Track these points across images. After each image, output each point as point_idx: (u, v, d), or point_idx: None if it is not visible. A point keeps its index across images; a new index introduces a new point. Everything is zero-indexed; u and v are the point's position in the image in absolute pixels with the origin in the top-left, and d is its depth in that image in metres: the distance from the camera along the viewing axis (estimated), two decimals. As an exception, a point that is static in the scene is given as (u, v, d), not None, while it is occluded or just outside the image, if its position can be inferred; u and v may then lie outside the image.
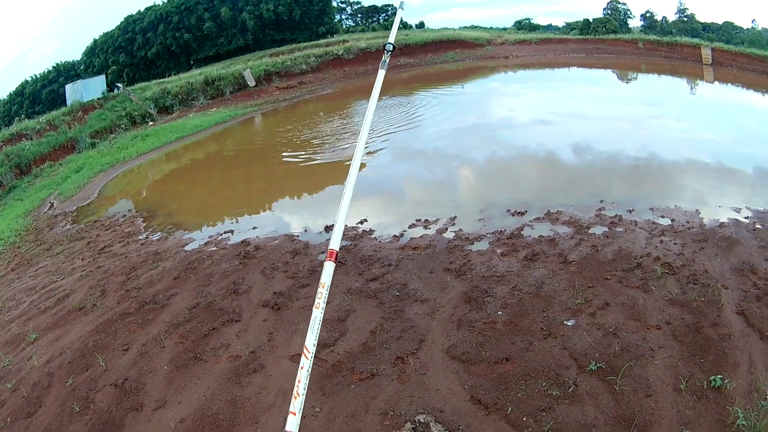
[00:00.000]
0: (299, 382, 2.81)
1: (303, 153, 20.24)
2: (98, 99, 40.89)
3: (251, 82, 43.78)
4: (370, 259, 9.87)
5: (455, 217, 11.50)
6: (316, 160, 18.72)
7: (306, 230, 12.15)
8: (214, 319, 8.23)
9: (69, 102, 42.57)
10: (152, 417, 6.33)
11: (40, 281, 12.01)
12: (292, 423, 2.78)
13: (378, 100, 4.22)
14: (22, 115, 44.47)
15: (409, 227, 11.31)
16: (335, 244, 3.37)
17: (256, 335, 7.85)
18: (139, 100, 40.04)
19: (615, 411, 5.64)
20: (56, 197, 22.21)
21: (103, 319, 8.82)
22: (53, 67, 79.03)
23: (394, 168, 16.83)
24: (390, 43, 4.42)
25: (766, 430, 5.09)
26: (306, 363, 2.85)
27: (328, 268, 3.28)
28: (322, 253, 10.39)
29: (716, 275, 7.79)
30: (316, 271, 9.57)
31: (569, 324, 7.16)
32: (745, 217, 9.62)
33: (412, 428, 5.79)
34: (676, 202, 10.61)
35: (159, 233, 13.71)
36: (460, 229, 10.79)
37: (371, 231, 11.42)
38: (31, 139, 33.29)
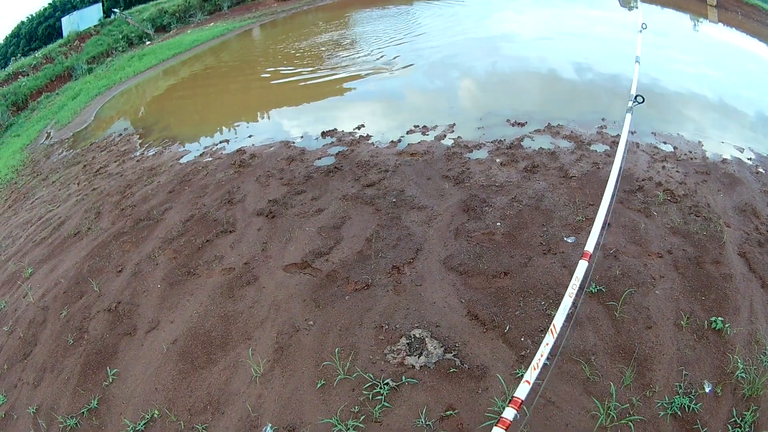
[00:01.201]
0: (542, 356, 3.03)
1: (299, 64, 19.49)
2: (95, 26, 39.51)
3: (249, -5, 42.42)
4: (366, 165, 9.41)
5: (454, 124, 10.99)
6: (313, 72, 18.31)
7: (302, 137, 11.66)
8: (208, 231, 8.08)
9: (65, 34, 40.95)
10: (144, 340, 6.21)
11: (36, 213, 11.66)
12: (522, 390, 2.93)
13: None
14: (18, 55, 42.44)
15: (407, 133, 10.83)
16: (590, 245, 3.74)
17: (250, 245, 7.55)
18: (136, 23, 38.84)
19: (615, 340, 5.38)
20: (53, 126, 21.53)
21: (97, 242, 8.68)
22: (49, 4, 75.75)
23: (394, 76, 16.08)
24: None
25: (764, 387, 4.86)
26: (551, 340, 3.08)
27: (581, 266, 3.67)
28: (318, 158, 10.09)
29: (718, 211, 7.44)
30: (311, 177, 9.21)
31: (569, 241, 6.82)
32: (748, 158, 9.17)
33: (408, 344, 5.50)
34: (679, 130, 10.11)
35: (154, 149, 13.27)
36: (459, 137, 10.31)
37: (368, 136, 10.94)
38: (28, 75, 31.82)
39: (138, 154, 13.22)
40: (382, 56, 18.27)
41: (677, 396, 4.77)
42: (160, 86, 22.59)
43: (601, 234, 4.76)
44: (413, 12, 27.24)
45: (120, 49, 35.34)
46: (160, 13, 40.24)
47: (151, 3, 46.04)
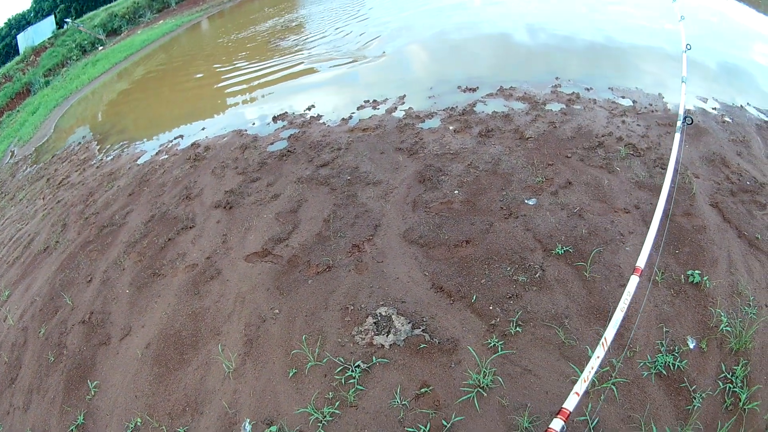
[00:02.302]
0: (592, 369, 3.08)
1: (247, 51, 19.31)
2: (49, 38, 39.45)
3: (195, -12, 42.65)
4: (319, 145, 9.06)
5: (404, 95, 10.70)
6: (261, 59, 18.04)
7: (254, 123, 11.32)
8: (170, 230, 7.86)
9: (21, 51, 40.82)
10: (119, 348, 6.04)
11: (7, 233, 11.27)
12: (571, 402, 2.92)
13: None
14: (-25, 80, 42.25)
15: (358, 109, 10.49)
16: (642, 261, 3.79)
17: (211, 239, 7.29)
18: (88, 29, 38.96)
19: (587, 301, 5.11)
20: (16, 144, 21.17)
21: (66, 254, 8.44)
22: (5, 23, 74.27)
23: (344, 54, 15.70)
24: None
25: (753, 339, 4.66)
26: (601, 353, 3.15)
27: (633, 281, 3.72)
28: (271, 144, 9.75)
29: (685, 162, 7.17)
30: (266, 164, 8.87)
31: (530, 203, 6.51)
32: (713, 108, 8.94)
33: (374, 323, 5.17)
34: (637, 84, 9.85)
35: (112, 153, 12.90)
36: (410, 108, 9.99)
37: (319, 116, 10.60)
38: (-13, 98, 31.04)
39: (97, 160, 12.85)
40: (329, 36, 18.08)
41: (660, 354, 4.54)
42: (114, 89, 22.24)
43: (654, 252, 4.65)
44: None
45: (74, 57, 35.23)
46: (110, 17, 40.47)
47: (102, 8, 46.48)
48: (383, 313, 5.26)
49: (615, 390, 4.29)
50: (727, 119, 8.52)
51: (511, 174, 7.14)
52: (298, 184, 7.91)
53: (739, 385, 4.32)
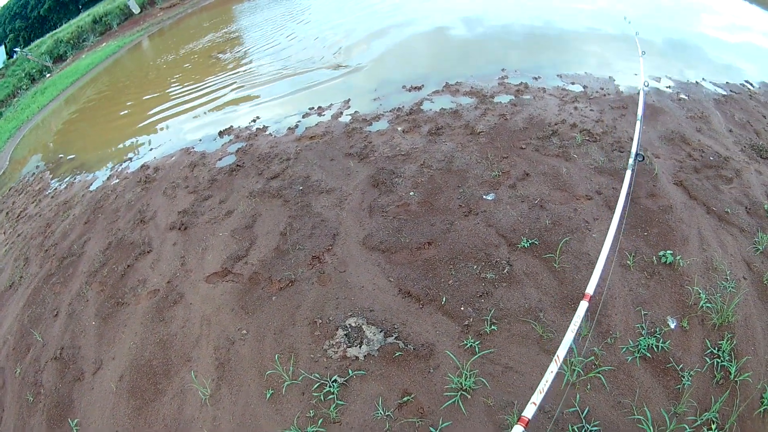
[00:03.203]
0: (547, 382, 3.37)
1: (185, 69, 19.03)
2: (0, 69, 38.42)
3: (136, 10, 42.99)
4: (267, 157, 8.83)
5: (349, 99, 10.56)
6: (199, 78, 17.58)
7: (201, 140, 10.96)
8: (128, 256, 7.59)
9: None
10: (94, 383, 5.77)
11: None
12: (530, 410, 3.21)
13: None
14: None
15: (303, 117, 10.29)
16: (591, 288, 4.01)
17: (169, 262, 7.01)
18: (36, 57, 38.71)
19: (559, 291, 5.04)
20: None
21: (30, 289, 8.13)
22: None
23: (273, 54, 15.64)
24: None
25: (735, 313, 4.66)
26: (555, 368, 3.46)
27: (582, 306, 3.96)
28: (219, 159, 9.49)
29: (644, 144, 7.20)
30: (216, 181, 8.62)
31: (489, 198, 6.41)
32: (667, 87, 9.05)
33: (345, 335, 4.99)
34: (586, 69, 9.94)
35: (66, 181, 12.36)
36: (355, 112, 9.86)
37: (265, 128, 10.35)
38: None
39: (51, 190, 12.34)
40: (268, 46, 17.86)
41: (642, 338, 4.52)
42: (62, 116, 21.70)
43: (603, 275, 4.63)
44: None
45: (24, 87, 34.68)
46: (56, 43, 40.34)
47: (48, 35, 46.77)
48: (353, 324, 5.09)
49: (602, 378, 4.23)
50: (684, 96, 8.64)
51: (465, 171, 7.05)
52: (250, 199, 7.68)
53: (726, 359, 4.32)
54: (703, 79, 9.33)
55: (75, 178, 12.14)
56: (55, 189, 12.18)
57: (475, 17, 14.61)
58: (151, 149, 11.59)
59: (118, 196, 9.63)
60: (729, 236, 5.62)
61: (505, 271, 5.34)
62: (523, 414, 3.19)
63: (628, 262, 5.27)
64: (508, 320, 4.84)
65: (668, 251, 5.29)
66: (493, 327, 4.79)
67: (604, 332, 4.63)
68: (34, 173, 14.82)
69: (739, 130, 7.85)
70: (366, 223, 6.48)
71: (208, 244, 7.03)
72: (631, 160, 5.86)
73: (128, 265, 7.28)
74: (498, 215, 6.08)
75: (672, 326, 4.64)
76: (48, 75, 35.50)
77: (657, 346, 4.41)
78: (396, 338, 4.90)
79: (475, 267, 5.45)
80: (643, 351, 4.39)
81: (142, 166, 10.54)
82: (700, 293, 4.85)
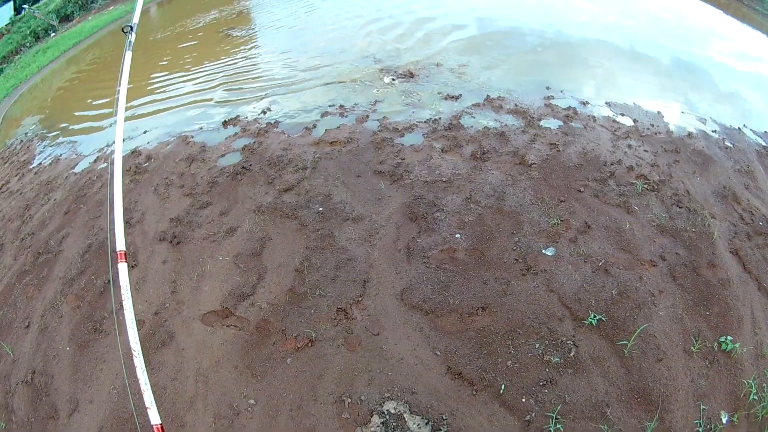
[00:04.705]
0: None
1: (191, 44, 17.54)
2: (6, 25, 37.38)
3: (148, -27, 41.73)
4: (279, 162, 7.79)
5: (376, 101, 9.42)
6: (206, 48, 16.20)
7: (202, 128, 9.65)
8: (108, 266, 6.66)
9: None
10: (69, 427, 5.16)
11: None
12: None
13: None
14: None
15: (322, 116, 9.11)
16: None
17: (157, 286, 6.17)
18: (43, 15, 37.50)
19: (626, 383, 4.64)
20: None
21: (3, 285, 7.37)
22: None
23: (288, 41, 14.33)
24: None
25: None
26: None
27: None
28: (222, 156, 8.37)
29: (700, 199, 6.77)
30: (217, 184, 7.58)
31: (548, 254, 5.80)
32: (713, 131, 8.57)
33: (382, 423, 4.35)
34: (634, 98, 9.32)
35: (51, 156, 11.28)
36: (384, 117, 8.79)
37: (277, 123, 9.11)
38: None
39: (36, 164, 11.27)
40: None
41: None
42: (63, 77, 20.75)
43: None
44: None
45: (28, 45, 34.06)
46: (64, 2, 39.66)
47: None
48: (392, 411, 4.48)
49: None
50: (729, 144, 8.25)
51: (519, 213, 6.40)
52: (258, 215, 6.81)
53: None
54: (744, 125, 8.94)
55: (61, 154, 11.07)
56: (40, 164, 11.14)
57: (510, 23, 13.66)
58: (144, 132, 10.36)
59: (104, 185, 8.62)
60: (776, 318, 5.56)
61: (570, 353, 4.87)
62: None
63: (692, 347, 4.97)
64: (573, 416, 4.40)
65: (728, 337, 5.10)
66: (558, 426, 4.31)
67: (666, 430, 4.37)
68: (22, 140, 13.79)
69: (782, 189, 7.63)
70: (404, 270, 5.76)
71: (205, 269, 6.21)
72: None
73: (108, 280, 6.43)
74: (560, 278, 5.53)
75: (724, 421, 4.55)
76: (53, 34, 34.71)
77: (712, 445, 4.25)
78: (445, 432, 4.31)
79: (538, 346, 4.92)
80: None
81: (132, 152, 9.39)
82: (752, 386, 4.74)
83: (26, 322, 6.46)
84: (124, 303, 2.92)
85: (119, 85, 3.84)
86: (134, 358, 2.83)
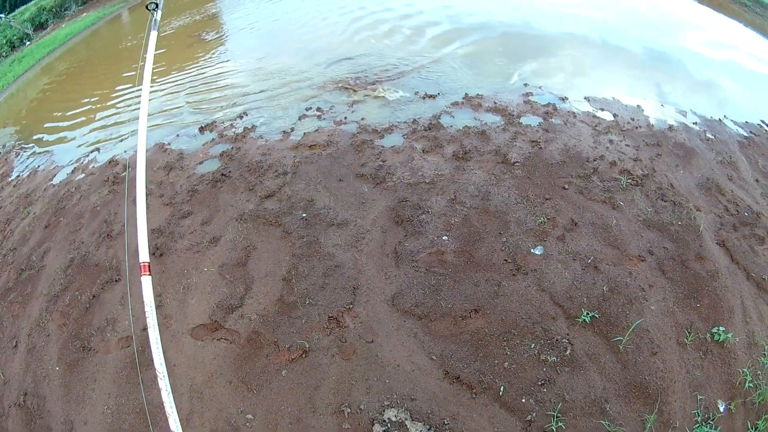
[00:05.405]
0: None
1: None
2: None
3: (119, -21, 41.63)
4: (259, 167, 7.66)
5: (353, 102, 9.37)
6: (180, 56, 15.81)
7: (178, 135, 9.44)
8: (92, 282, 6.57)
9: None
10: None
11: None
12: None
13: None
14: None
15: (300, 119, 9.00)
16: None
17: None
18: (18, 24, 37.30)
19: (623, 378, 4.71)
20: None
21: None
22: None
23: (260, 49, 14.10)
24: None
25: None
26: None
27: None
28: (200, 163, 8.19)
29: (684, 192, 6.89)
30: (197, 192, 7.42)
31: (537, 253, 5.82)
32: (694, 123, 8.74)
33: (384, 431, 4.28)
34: (613, 93, 9.43)
35: (29, 167, 11.00)
36: (362, 119, 8.71)
37: (254, 127, 8.97)
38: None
39: (14, 176, 11.03)
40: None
41: (697, 425, 4.48)
42: (37, 86, 20.52)
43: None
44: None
45: (4, 54, 34.18)
46: (39, 11, 39.85)
47: (32, 2, 45.69)
48: (393, 419, 4.47)
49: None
50: (710, 136, 8.40)
51: (505, 212, 6.41)
52: (240, 223, 6.70)
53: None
54: (725, 116, 9.15)
55: (39, 166, 10.82)
56: (18, 177, 10.89)
57: (483, 18, 13.66)
58: (121, 140, 10.20)
59: (83, 196, 8.45)
60: (765, 306, 5.61)
61: (567, 352, 4.90)
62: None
63: (685, 339, 5.06)
64: (574, 414, 4.46)
65: (720, 327, 5.21)
66: (560, 424, 4.37)
67: (665, 422, 4.45)
68: (0, 153, 13.55)
69: (764, 179, 7.74)
70: (393, 274, 5.73)
71: (190, 281, 6.08)
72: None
73: (93, 295, 6.36)
74: (550, 276, 5.56)
75: (722, 410, 4.66)
76: (28, 43, 34.82)
77: (711, 434, 4.36)
78: (447, 438, 4.33)
79: (533, 346, 4.95)
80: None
81: (110, 161, 9.22)
82: (746, 374, 4.86)
83: (14, 342, 6.37)
84: (148, 321, 2.94)
85: (143, 69, 3.72)
86: (158, 380, 2.87)
